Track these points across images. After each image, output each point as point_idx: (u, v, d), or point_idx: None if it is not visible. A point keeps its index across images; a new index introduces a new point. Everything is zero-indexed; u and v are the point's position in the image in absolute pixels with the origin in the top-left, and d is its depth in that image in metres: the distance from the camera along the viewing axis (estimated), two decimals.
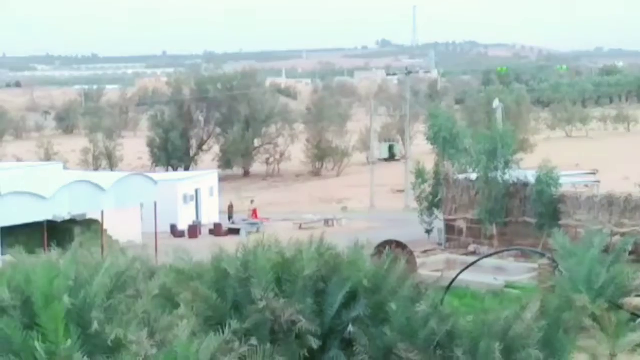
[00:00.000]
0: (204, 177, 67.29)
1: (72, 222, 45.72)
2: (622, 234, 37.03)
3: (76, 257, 13.33)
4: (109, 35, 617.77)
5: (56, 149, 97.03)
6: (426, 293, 15.53)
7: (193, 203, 61.86)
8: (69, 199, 44.86)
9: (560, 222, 41.88)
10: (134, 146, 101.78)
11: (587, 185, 48.73)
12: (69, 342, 11.43)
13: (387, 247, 17.43)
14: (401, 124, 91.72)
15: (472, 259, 37.80)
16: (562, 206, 43.56)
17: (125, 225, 50.03)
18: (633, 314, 25.00)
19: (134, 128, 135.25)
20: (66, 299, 11.65)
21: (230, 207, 63.80)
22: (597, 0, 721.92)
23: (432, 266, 36.97)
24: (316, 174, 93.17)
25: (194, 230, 57.02)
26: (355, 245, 15.98)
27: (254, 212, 62.63)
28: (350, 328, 14.62)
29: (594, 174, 54.31)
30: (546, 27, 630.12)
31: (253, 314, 14.28)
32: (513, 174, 45.91)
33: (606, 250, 26.57)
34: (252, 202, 64.90)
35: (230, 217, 62.30)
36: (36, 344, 11.40)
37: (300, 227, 55.33)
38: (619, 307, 24.19)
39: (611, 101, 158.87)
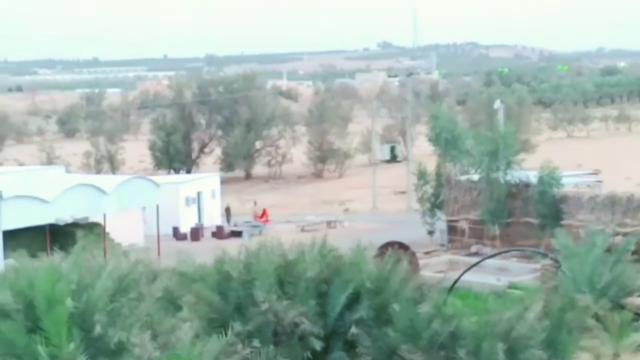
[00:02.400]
0: (206, 179, 67.34)
1: (75, 225, 45.73)
2: (625, 234, 36.91)
3: (78, 261, 13.31)
4: (110, 38, 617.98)
5: (58, 153, 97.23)
6: (429, 294, 15.50)
7: (195, 206, 61.90)
8: (71, 203, 44.90)
9: (563, 223, 41.84)
10: (136, 149, 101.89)
11: (589, 186, 48.70)
12: (72, 345, 11.42)
13: (389, 249, 17.43)
14: (402, 126, 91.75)
15: (474, 259, 37.77)
16: (564, 206, 43.55)
17: (127, 229, 50.05)
18: (636, 313, 24.96)
19: (135, 131, 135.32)
20: (69, 302, 11.65)
21: (227, 210, 63.80)
22: (598, 1, 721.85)
23: (435, 267, 36.99)
24: (318, 175, 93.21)
25: (196, 233, 57.03)
26: (358, 247, 15.95)
27: (264, 212, 62.77)
28: (353, 329, 14.59)
29: (595, 174, 54.32)
30: (547, 27, 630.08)
31: (256, 316, 14.27)
32: (515, 175, 45.91)
33: (609, 250, 26.53)
34: (255, 204, 64.95)
35: (228, 220, 62.25)
36: (39, 347, 11.40)
37: (302, 229, 55.35)
38: (622, 307, 24.17)
39: (612, 101, 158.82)
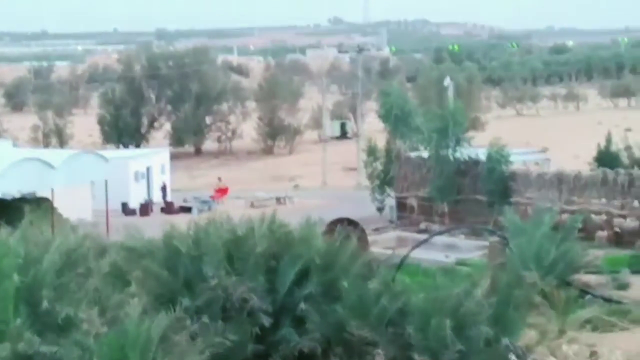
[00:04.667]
0: (156, 154, 66.96)
1: (22, 200, 45.24)
2: (572, 212, 37.39)
3: (26, 235, 13.21)
4: (59, 11, 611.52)
5: (5, 126, 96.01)
6: (378, 270, 15.58)
7: (144, 181, 61.51)
8: (19, 177, 44.43)
9: (511, 200, 42.20)
10: (85, 123, 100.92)
11: (537, 163, 49.06)
12: (19, 320, 11.35)
13: (338, 225, 17.46)
14: (353, 102, 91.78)
15: (423, 236, 37.99)
16: (512, 184, 43.86)
17: (75, 203, 49.61)
18: (582, 290, 25.27)
19: (84, 105, 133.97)
20: (16, 277, 11.57)
21: (164, 188, 63.04)
22: None
23: (384, 244, 37.10)
24: (268, 151, 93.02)
25: (145, 208, 56.74)
26: (307, 223, 15.97)
27: (226, 190, 62.66)
28: (302, 306, 14.63)
29: (544, 151, 54.77)
30: (498, 5, 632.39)
31: (204, 292, 14.25)
32: (464, 152, 46.14)
33: (556, 227, 26.80)
34: (219, 179, 64.74)
35: (164, 197, 61.44)
36: None
37: (252, 205, 55.21)
38: (568, 284, 24.44)
39: (561, 80, 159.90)
